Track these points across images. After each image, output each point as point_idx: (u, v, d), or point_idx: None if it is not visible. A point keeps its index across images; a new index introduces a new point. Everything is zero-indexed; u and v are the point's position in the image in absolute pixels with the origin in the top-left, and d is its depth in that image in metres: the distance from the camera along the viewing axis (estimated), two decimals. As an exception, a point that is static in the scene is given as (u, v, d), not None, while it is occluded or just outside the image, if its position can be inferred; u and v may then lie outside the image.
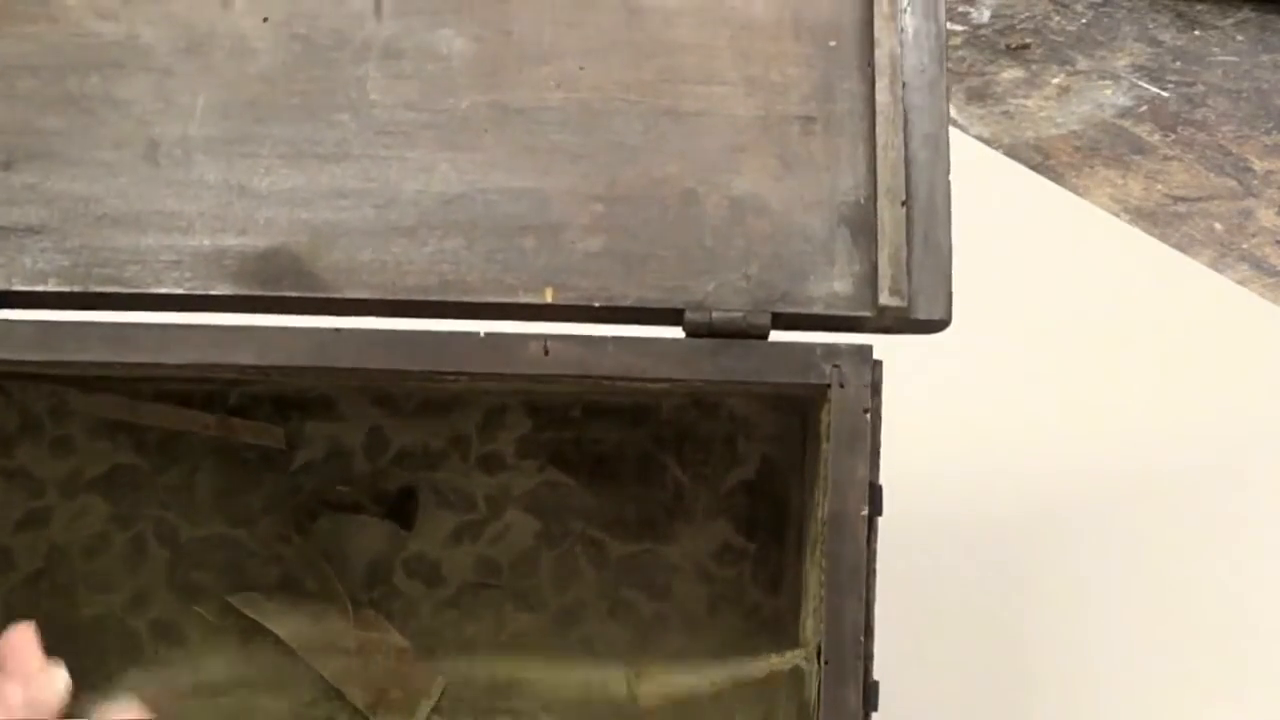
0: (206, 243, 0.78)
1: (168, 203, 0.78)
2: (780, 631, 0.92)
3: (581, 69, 0.78)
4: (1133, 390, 1.11)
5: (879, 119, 0.76)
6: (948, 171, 0.76)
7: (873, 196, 0.76)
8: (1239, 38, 1.21)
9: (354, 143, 0.79)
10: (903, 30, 0.77)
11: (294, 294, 0.78)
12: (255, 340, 0.77)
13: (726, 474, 0.93)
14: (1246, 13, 1.24)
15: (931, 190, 0.76)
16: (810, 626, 0.80)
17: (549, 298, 0.77)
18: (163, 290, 0.78)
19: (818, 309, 0.77)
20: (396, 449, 0.93)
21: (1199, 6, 1.23)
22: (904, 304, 0.76)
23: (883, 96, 0.76)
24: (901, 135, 0.76)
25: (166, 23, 0.80)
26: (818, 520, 0.78)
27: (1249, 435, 1.07)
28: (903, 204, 0.76)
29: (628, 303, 0.77)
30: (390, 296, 0.77)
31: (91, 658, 0.92)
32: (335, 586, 0.91)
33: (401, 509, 0.93)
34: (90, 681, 0.90)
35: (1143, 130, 1.18)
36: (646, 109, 0.79)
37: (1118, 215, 1.16)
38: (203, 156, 0.79)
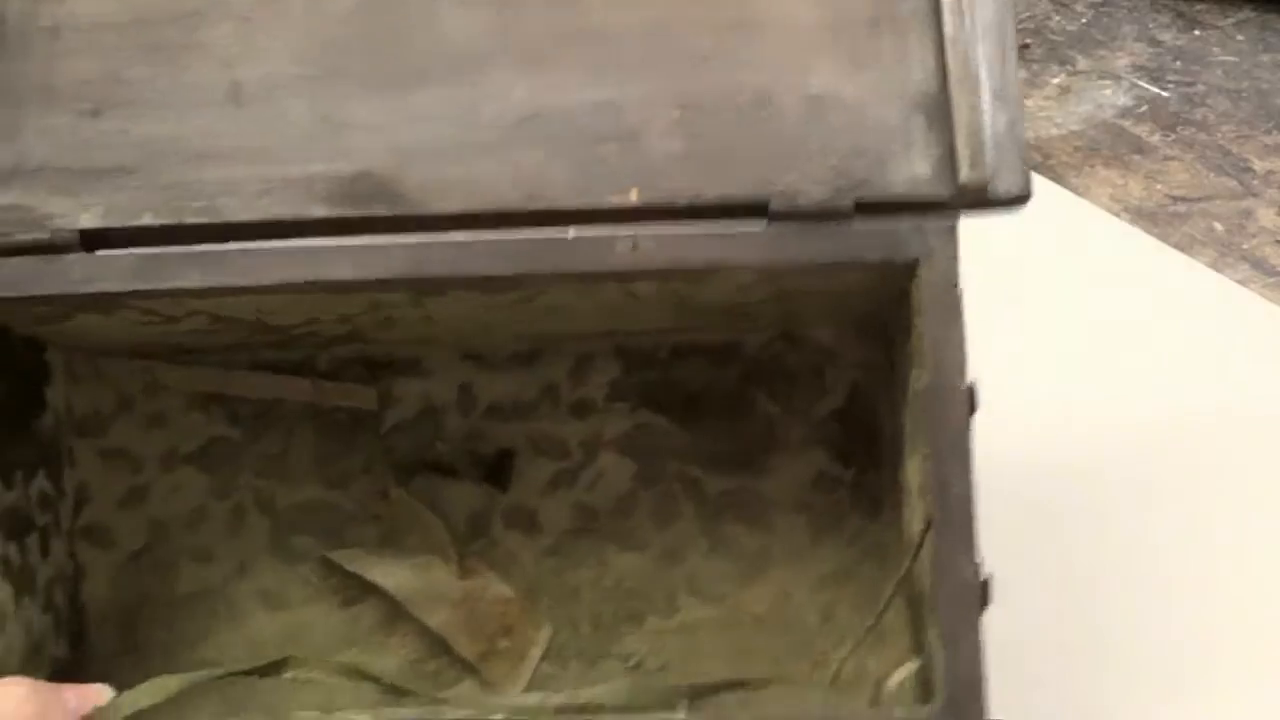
0: (295, 171, 0.79)
1: (254, 138, 0.80)
2: (884, 557, 0.91)
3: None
4: (1132, 390, 1.11)
5: (945, 13, 0.77)
6: (1015, 57, 0.77)
7: (943, 86, 0.77)
8: (1239, 38, 1.21)
9: (432, 71, 0.80)
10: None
11: (384, 213, 0.78)
12: (349, 256, 0.78)
13: (816, 404, 0.93)
14: (1246, 13, 1.25)
15: (1001, 76, 0.77)
16: (918, 517, 0.80)
17: (634, 198, 0.78)
18: (255, 217, 0.79)
19: (899, 191, 0.77)
20: (487, 403, 0.94)
21: (1199, 6, 1.23)
22: (984, 179, 0.76)
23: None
24: (967, 26, 0.77)
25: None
26: (917, 397, 0.78)
27: (1249, 435, 1.07)
28: (973, 90, 0.76)
29: (711, 199, 0.78)
30: (478, 209, 0.78)
31: (196, 628, 0.93)
32: (439, 535, 0.91)
33: (498, 470, 0.93)
34: (198, 654, 0.90)
35: (1143, 130, 1.19)
36: (715, 22, 0.80)
37: (1118, 215, 1.16)
38: (285, 93, 0.80)
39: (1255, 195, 1.17)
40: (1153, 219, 1.15)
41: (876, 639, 0.87)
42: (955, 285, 0.76)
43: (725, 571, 0.93)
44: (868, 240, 0.77)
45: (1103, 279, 1.16)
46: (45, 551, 0.88)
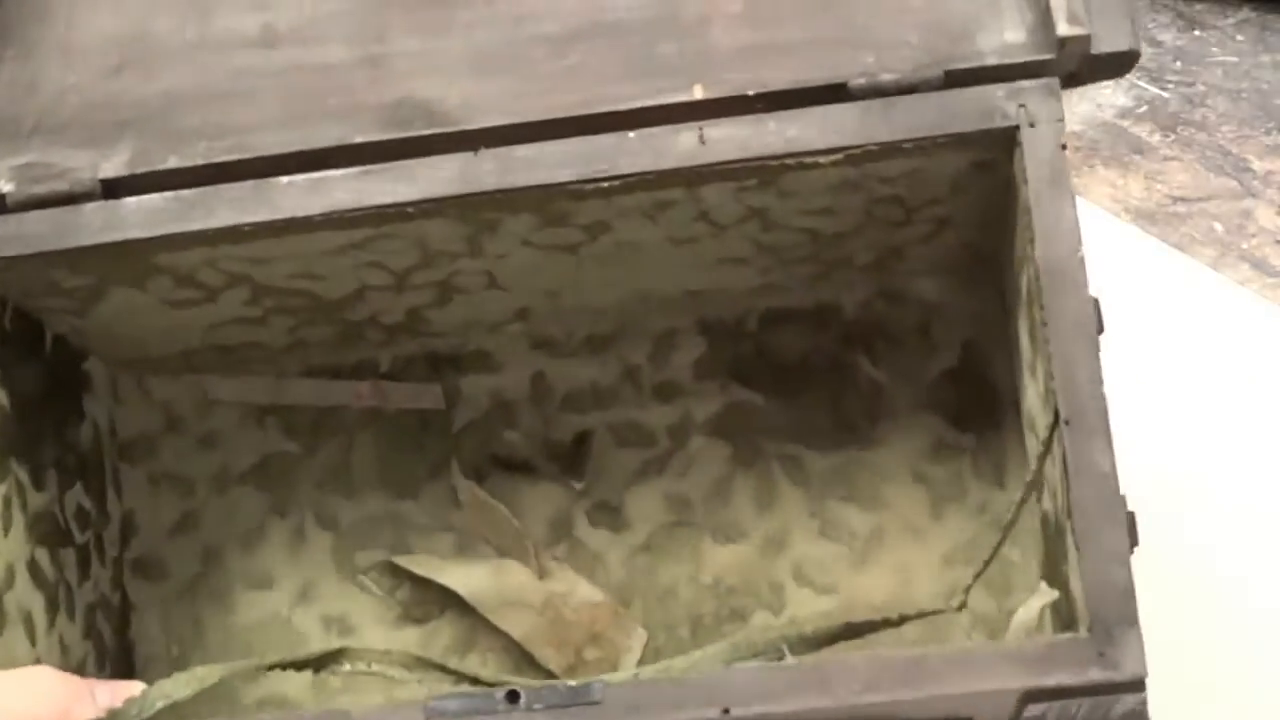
0: (332, 102, 0.72)
1: (288, 76, 0.74)
2: (1019, 536, 0.81)
3: None
4: (1132, 390, 1.02)
5: None
6: None
7: None
8: (1239, 38, 1.18)
9: None
10: None
11: (429, 131, 0.72)
12: (395, 176, 0.71)
13: (926, 365, 0.84)
14: (1246, 13, 1.22)
15: None
16: (1037, 407, 0.70)
17: (698, 94, 0.71)
18: (289, 149, 0.72)
19: (992, 60, 0.69)
20: (563, 393, 0.86)
21: (1199, 6, 1.20)
22: (1085, 32, 0.68)
23: None
24: None
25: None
26: (1028, 279, 0.69)
27: (1249, 435, 1.01)
28: None
29: (783, 85, 0.70)
30: (528, 119, 0.71)
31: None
32: (516, 534, 0.82)
33: (575, 458, 0.84)
34: (261, 689, 0.82)
35: (1143, 130, 1.14)
36: None
37: (1118, 215, 1.12)
38: (322, 31, 0.75)
39: (1255, 195, 1.13)
40: (1152, 219, 1.11)
41: (1004, 577, 0.77)
42: (1061, 147, 0.67)
43: (836, 557, 0.83)
44: (960, 109, 0.69)
45: (1102, 279, 1.10)
46: (85, 574, 0.81)
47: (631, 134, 0.70)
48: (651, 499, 0.84)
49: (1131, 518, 0.72)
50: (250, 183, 0.71)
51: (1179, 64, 1.15)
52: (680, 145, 0.69)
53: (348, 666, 0.74)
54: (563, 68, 0.71)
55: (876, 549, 0.83)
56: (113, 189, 0.72)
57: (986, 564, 0.71)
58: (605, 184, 0.70)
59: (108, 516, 0.84)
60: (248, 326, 0.82)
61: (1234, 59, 1.14)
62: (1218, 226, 1.08)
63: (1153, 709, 0.76)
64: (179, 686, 0.68)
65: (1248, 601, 0.94)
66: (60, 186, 0.72)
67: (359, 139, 0.72)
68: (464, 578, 0.82)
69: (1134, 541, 0.73)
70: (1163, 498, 0.94)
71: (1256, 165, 1.11)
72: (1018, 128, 0.68)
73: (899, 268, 0.82)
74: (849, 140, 0.69)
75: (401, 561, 0.82)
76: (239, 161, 0.72)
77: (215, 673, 0.70)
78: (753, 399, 0.84)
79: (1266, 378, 1.04)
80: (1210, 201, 1.09)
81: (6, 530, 0.74)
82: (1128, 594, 0.63)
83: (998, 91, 0.68)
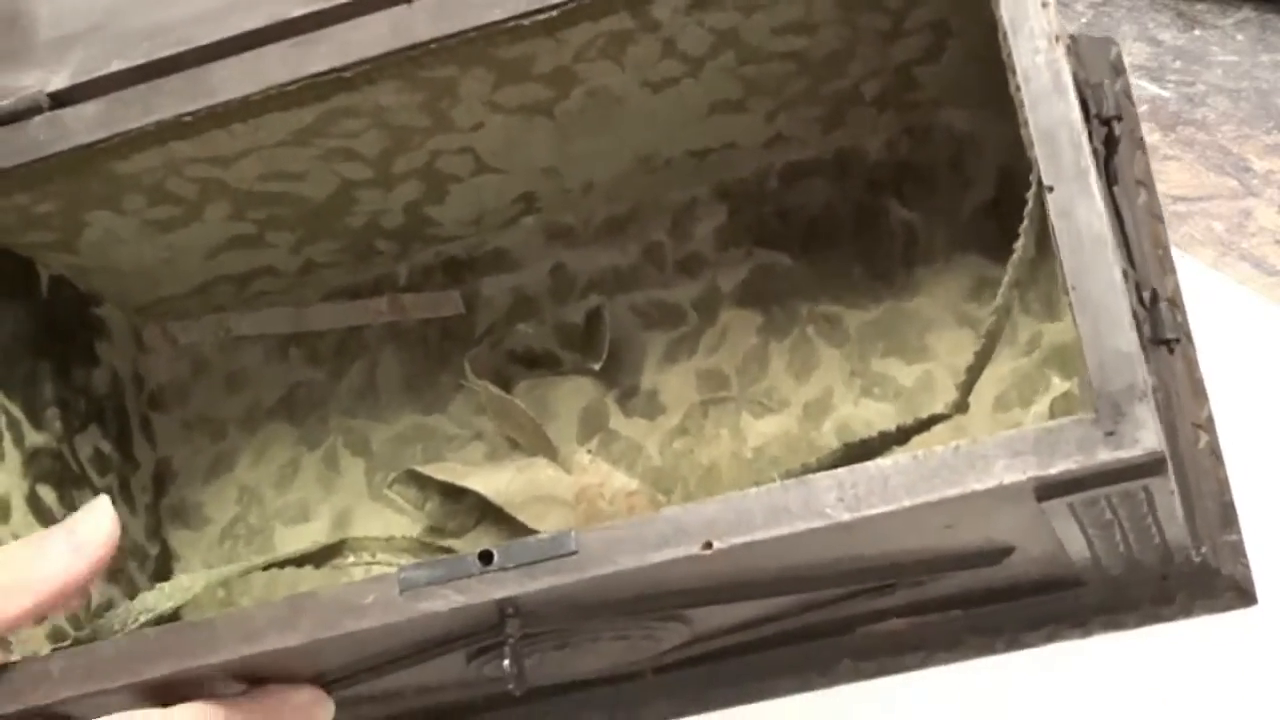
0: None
1: None
2: (1068, 362, 0.75)
3: None
4: None
5: None
6: None
7: None
8: (1239, 38, 1.15)
9: None
10: None
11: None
12: (327, 40, 0.67)
13: (961, 200, 0.78)
14: (1246, 13, 1.17)
15: None
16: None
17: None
18: (229, 35, 0.69)
19: None
20: (584, 281, 0.81)
21: (1199, 6, 1.16)
22: None
23: None
24: None
25: None
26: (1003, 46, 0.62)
27: (1249, 435, 0.94)
28: None
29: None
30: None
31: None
32: (537, 428, 0.78)
33: (589, 337, 0.80)
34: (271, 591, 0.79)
35: (1143, 130, 1.08)
36: None
37: None
38: None
39: (1255, 195, 1.08)
40: None
41: (1029, 386, 0.71)
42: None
43: (883, 414, 0.77)
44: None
45: None
46: None
47: (569, -42, 0.65)
48: (684, 379, 0.79)
49: (1174, 310, 0.65)
50: (186, 73, 0.68)
51: (1179, 64, 1.12)
52: (618, -49, 0.65)
53: (350, 559, 0.70)
54: None
55: (924, 400, 0.76)
56: (60, 102, 0.70)
57: (983, 356, 0.65)
58: (543, 16, 0.65)
59: (136, 463, 0.82)
60: (249, 249, 0.79)
61: (1234, 59, 1.10)
62: (1218, 226, 1.04)
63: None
64: (162, 599, 0.65)
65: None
66: (5, 105, 0.70)
67: (293, 13, 0.69)
68: (490, 480, 0.78)
69: (1176, 336, 0.66)
70: None
71: (1256, 165, 1.07)
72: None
73: (916, 98, 0.76)
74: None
75: (424, 470, 0.78)
76: (177, 55, 0.69)
77: (199, 580, 0.66)
78: (780, 261, 0.79)
79: (1267, 378, 1.03)
80: (1210, 201, 1.05)
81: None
82: (1133, 363, 0.56)
83: None
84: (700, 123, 0.75)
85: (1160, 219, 0.76)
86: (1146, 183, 0.77)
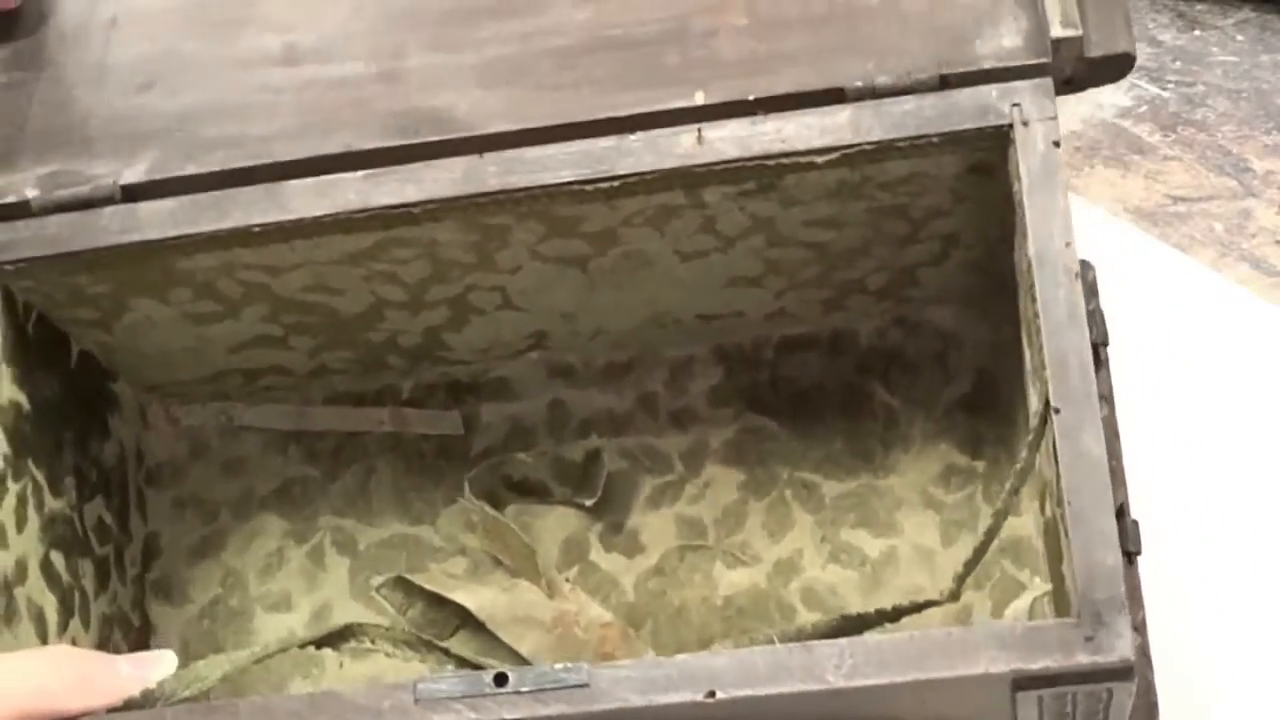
0: (347, 114, 0.74)
1: (306, 90, 0.76)
2: (1021, 554, 0.81)
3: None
4: (1132, 390, 0.98)
5: None
6: None
7: None
8: (1239, 38, 1.18)
9: (494, 12, 0.76)
10: None
11: (436, 138, 0.73)
12: (401, 178, 0.73)
13: (940, 393, 0.84)
14: (1246, 13, 1.21)
15: None
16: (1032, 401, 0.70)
17: (699, 99, 0.72)
18: (305, 156, 0.74)
19: (988, 64, 0.70)
20: (580, 419, 0.86)
21: (1199, 6, 1.21)
22: (1079, 34, 0.69)
23: None
24: None
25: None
26: (1021, 274, 0.69)
27: (1249, 436, 1.00)
28: None
29: (783, 90, 0.72)
30: (532, 125, 0.73)
31: (270, 681, 0.84)
32: (528, 555, 0.83)
33: (585, 475, 0.85)
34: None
35: (1143, 130, 1.14)
36: None
37: (1117, 215, 1.11)
38: (341, 50, 0.77)
39: (1255, 195, 1.11)
40: (1153, 219, 1.10)
41: (1006, 586, 0.77)
42: (1055, 144, 0.68)
43: (847, 581, 0.83)
44: (955, 109, 0.70)
45: (1102, 279, 1.08)
46: (103, 586, 0.82)
47: (632, 136, 0.71)
48: (665, 523, 0.85)
49: (1135, 526, 0.72)
50: (263, 186, 0.73)
51: (1179, 64, 1.16)
52: (679, 145, 0.71)
53: (352, 642, 0.75)
54: (569, 78, 0.73)
55: (887, 573, 0.82)
56: (132, 195, 0.75)
57: (979, 552, 0.71)
58: (606, 184, 0.71)
59: (130, 535, 0.85)
60: (270, 349, 0.83)
61: (1234, 59, 1.14)
62: (1218, 226, 1.08)
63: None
64: (212, 669, 0.69)
65: (1250, 604, 0.93)
66: (82, 191, 0.75)
67: (367, 145, 0.74)
68: (475, 595, 0.82)
69: (1137, 549, 0.72)
70: (1163, 498, 0.94)
71: (1256, 165, 1.11)
72: (1011, 126, 0.69)
73: (913, 294, 0.83)
74: (844, 139, 0.70)
75: (414, 578, 0.83)
76: (253, 168, 0.74)
77: (244, 657, 0.71)
78: (768, 426, 0.85)
79: (1267, 378, 1.04)
80: (1210, 201, 1.09)
81: (20, 527, 0.75)
82: (1116, 578, 0.62)
83: (991, 92, 0.69)
84: (716, 292, 0.81)
85: (1117, 434, 0.82)
86: (1109, 398, 0.84)
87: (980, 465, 0.83)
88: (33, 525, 0.76)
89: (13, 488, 0.75)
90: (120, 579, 0.84)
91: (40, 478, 0.77)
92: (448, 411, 0.87)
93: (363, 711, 0.65)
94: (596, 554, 0.85)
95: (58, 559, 0.78)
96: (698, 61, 0.72)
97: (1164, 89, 1.12)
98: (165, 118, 0.77)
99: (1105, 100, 1.16)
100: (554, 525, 0.85)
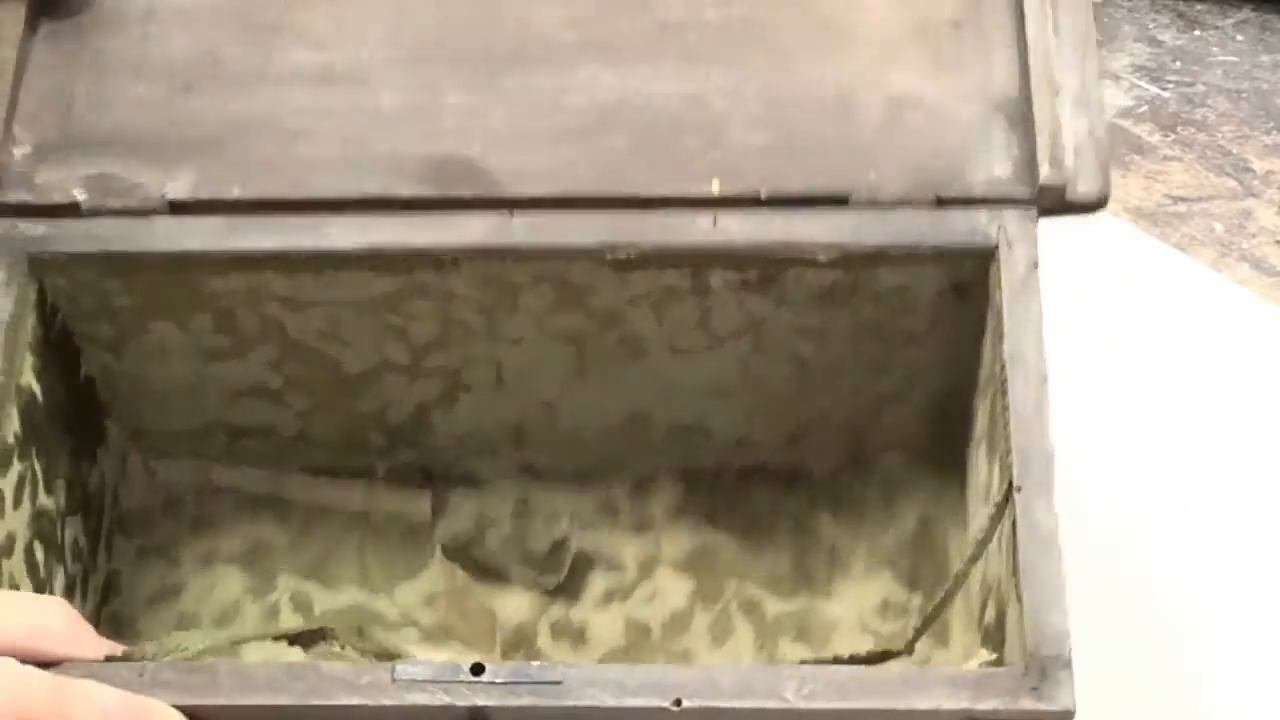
0: (383, 149, 0.80)
1: (343, 118, 0.81)
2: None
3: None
4: (1132, 390, 1.06)
5: (1028, 17, 0.80)
6: (1097, 62, 0.80)
7: (1026, 88, 0.79)
8: (1239, 38, 1.23)
9: (521, 59, 0.82)
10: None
11: (469, 194, 0.79)
12: (435, 224, 0.79)
13: (884, 533, 0.90)
14: (1246, 13, 1.26)
15: (1082, 79, 0.79)
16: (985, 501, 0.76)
17: (715, 189, 0.79)
18: (342, 194, 0.80)
19: (979, 192, 0.78)
20: (544, 516, 0.91)
21: (1199, 6, 1.25)
22: (1063, 181, 0.78)
23: None
24: (1049, 30, 0.80)
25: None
26: (993, 377, 0.76)
27: (1249, 436, 1.03)
28: (1053, 94, 0.79)
29: (792, 191, 0.79)
30: (560, 193, 0.79)
31: None
32: (489, 621, 0.86)
33: (550, 561, 0.89)
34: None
35: (1143, 130, 1.19)
36: (803, 21, 0.82)
37: (1118, 215, 1.14)
38: (376, 77, 0.82)
39: (1255, 195, 1.15)
40: (1153, 219, 1.14)
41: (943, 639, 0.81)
42: (1035, 265, 0.76)
43: (782, 690, 0.86)
44: (947, 227, 0.77)
45: (1102, 279, 1.12)
46: (69, 599, 0.84)
47: (651, 214, 0.78)
48: (613, 622, 0.88)
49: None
50: (309, 215, 0.79)
51: (1179, 64, 1.19)
52: (695, 226, 0.78)
53: (323, 645, 0.77)
54: (595, 147, 0.80)
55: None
56: (176, 209, 0.80)
57: (939, 608, 0.76)
58: (623, 254, 0.78)
59: (96, 566, 0.88)
60: (264, 403, 0.88)
61: (1234, 59, 1.18)
62: (1218, 226, 1.11)
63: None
64: (193, 640, 0.72)
65: (1251, 603, 0.96)
66: (131, 203, 0.80)
67: (405, 192, 0.80)
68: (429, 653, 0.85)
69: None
70: (1162, 497, 0.97)
71: (1256, 165, 1.14)
72: (996, 247, 0.76)
73: (871, 437, 0.89)
74: (846, 239, 0.77)
75: (366, 640, 0.86)
76: (297, 200, 0.80)
77: (222, 637, 0.73)
78: (721, 542, 0.90)
79: (1266, 378, 1.05)
80: (1210, 201, 1.12)
81: (16, 505, 0.78)
82: (1063, 639, 0.68)
83: (981, 215, 0.77)
84: (694, 399, 0.87)
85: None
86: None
87: (915, 600, 0.88)
88: (25, 510, 0.79)
89: (16, 466, 0.78)
90: (82, 602, 0.86)
91: (39, 470, 0.80)
92: (419, 494, 0.91)
93: (340, 684, 0.68)
94: (544, 641, 0.88)
95: (39, 551, 0.80)
96: (713, 146, 0.79)
97: (1164, 89, 1.15)
98: (205, 128, 0.81)
99: (1105, 100, 1.21)
100: (509, 609, 0.89)
